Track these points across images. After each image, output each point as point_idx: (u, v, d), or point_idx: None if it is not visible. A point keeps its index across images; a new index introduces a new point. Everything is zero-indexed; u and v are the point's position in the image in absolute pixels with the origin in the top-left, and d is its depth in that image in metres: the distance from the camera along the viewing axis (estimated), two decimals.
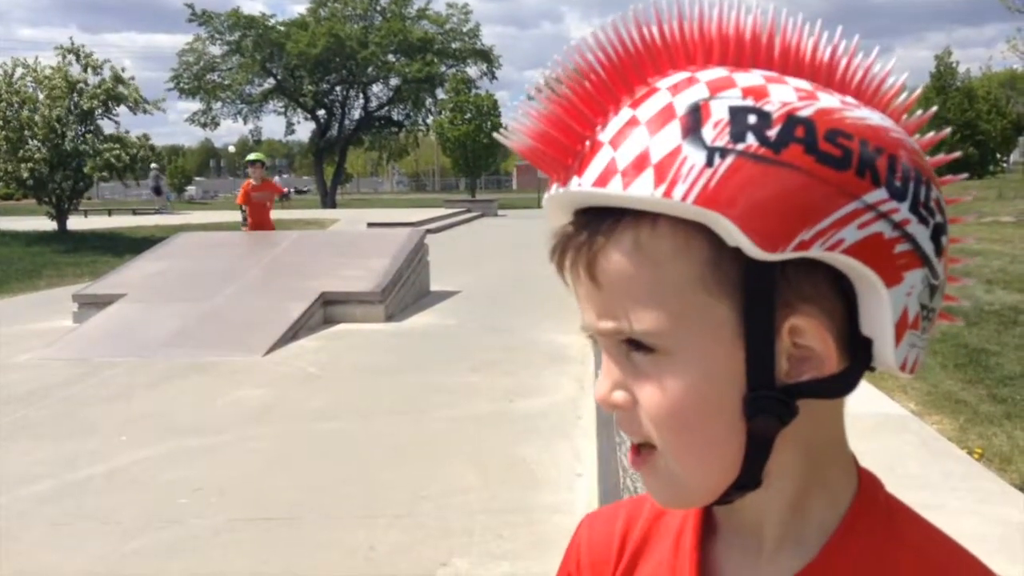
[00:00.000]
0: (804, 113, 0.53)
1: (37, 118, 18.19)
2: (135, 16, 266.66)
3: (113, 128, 19.70)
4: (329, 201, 43.87)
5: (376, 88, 47.64)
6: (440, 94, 48.10)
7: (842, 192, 0.52)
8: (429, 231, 13.15)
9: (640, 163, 0.53)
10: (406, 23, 44.71)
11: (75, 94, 18.60)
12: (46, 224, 19.78)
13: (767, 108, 0.53)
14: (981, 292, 9.12)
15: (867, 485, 0.62)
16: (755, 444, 0.56)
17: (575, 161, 0.56)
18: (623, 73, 0.57)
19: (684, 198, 0.52)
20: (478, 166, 50.19)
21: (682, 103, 0.54)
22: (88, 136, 18.71)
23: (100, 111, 19.00)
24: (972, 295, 8.98)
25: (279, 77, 44.74)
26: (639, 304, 0.55)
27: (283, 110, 47.26)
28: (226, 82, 44.94)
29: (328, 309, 8.77)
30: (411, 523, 3.83)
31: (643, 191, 0.53)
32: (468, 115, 47.54)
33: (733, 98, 0.53)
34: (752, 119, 0.53)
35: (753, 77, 0.55)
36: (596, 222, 0.56)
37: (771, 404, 0.55)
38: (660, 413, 0.56)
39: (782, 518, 0.61)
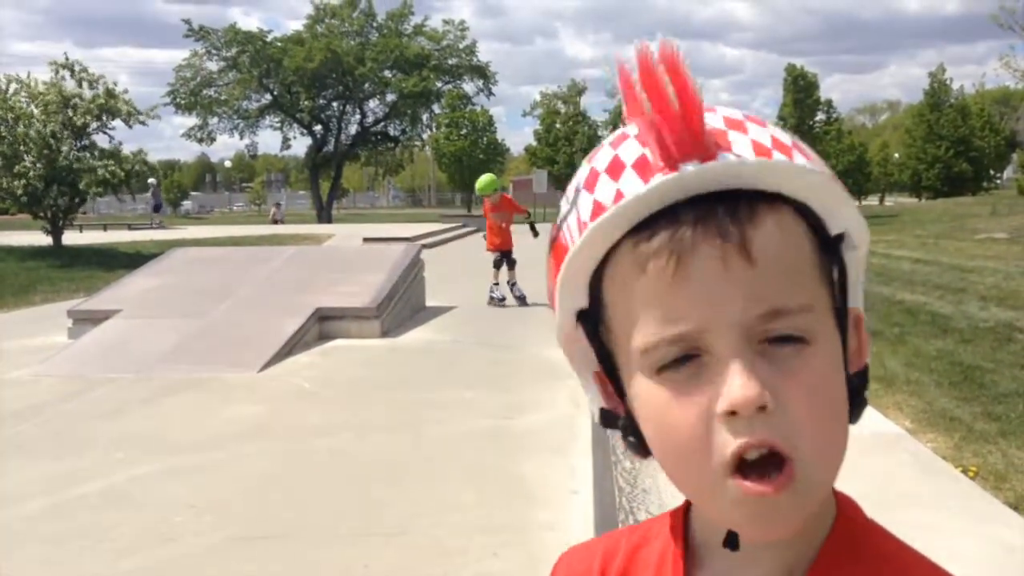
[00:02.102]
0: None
1: (32, 133, 18.20)
2: (130, 31, 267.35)
3: (108, 142, 19.73)
4: (325, 216, 43.92)
5: (372, 104, 47.86)
6: (436, 109, 48.27)
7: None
8: (425, 246, 13.16)
9: (783, 144, 0.57)
10: (403, 39, 44.91)
11: (69, 109, 18.62)
12: (41, 239, 19.76)
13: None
14: (975, 309, 9.15)
15: (845, 507, 0.63)
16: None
17: (709, 140, 0.55)
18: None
19: (832, 178, 0.58)
20: (474, 181, 50.38)
21: (754, 115, 0.59)
22: (83, 152, 18.72)
23: (95, 126, 19.02)
24: (967, 312, 9.01)
25: (275, 93, 44.87)
26: (792, 283, 0.55)
27: (279, 125, 47.39)
28: (222, 97, 45.05)
29: (323, 325, 8.77)
30: (406, 541, 3.82)
31: (804, 163, 0.57)
32: (464, 130, 47.77)
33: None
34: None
35: None
36: (729, 205, 0.55)
37: (862, 389, 0.61)
38: (815, 406, 0.54)
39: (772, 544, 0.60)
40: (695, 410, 0.55)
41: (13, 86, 18.70)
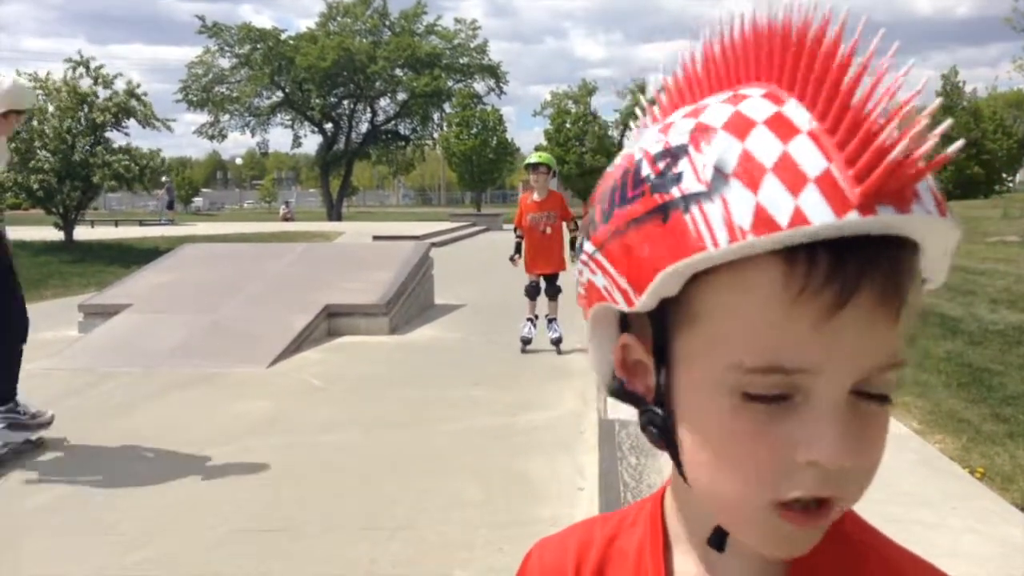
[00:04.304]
0: None
1: (47, 129, 18.30)
2: (142, 28, 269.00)
3: (123, 140, 19.84)
4: (335, 214, 44.03)
5: (383, 102, 47.99)
6: (447, 108, 48.33)
7: None
8: (434, 244, 13.18)
9: (941, 197, 0.52)
10: (415, 38, 45.00)
11: (85, 107, 18.71)
12: (53, 234, 19.86)
13: None
14: (985, 311, 9.11)
15: None
16: None
17: (909, 184, 0.49)
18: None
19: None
20: (484, 180, 50.40)
21: None
22: (98, 148, 18.80)
23: (111, 124, 19.12)
24: (976, 315, 8.97)
25: (287, 90, 45.00)
26: (904, 339, 0.53)
27: (290, 123, 47.54)
28: (234, 95, 45.19)
29: (332, 321, 8.80)
30: (412, 536, 3.83)
31: (954, 220, 0.53)
32: (474, 130, 47.77)
33: None
34: None
35: None
36: (893, 255, 0.50)
37: None
38: (874, 464, 0.54)
39: None
40: (770, 451, 0.52)
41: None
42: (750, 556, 0.59)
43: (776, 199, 0.48)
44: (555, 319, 7.80)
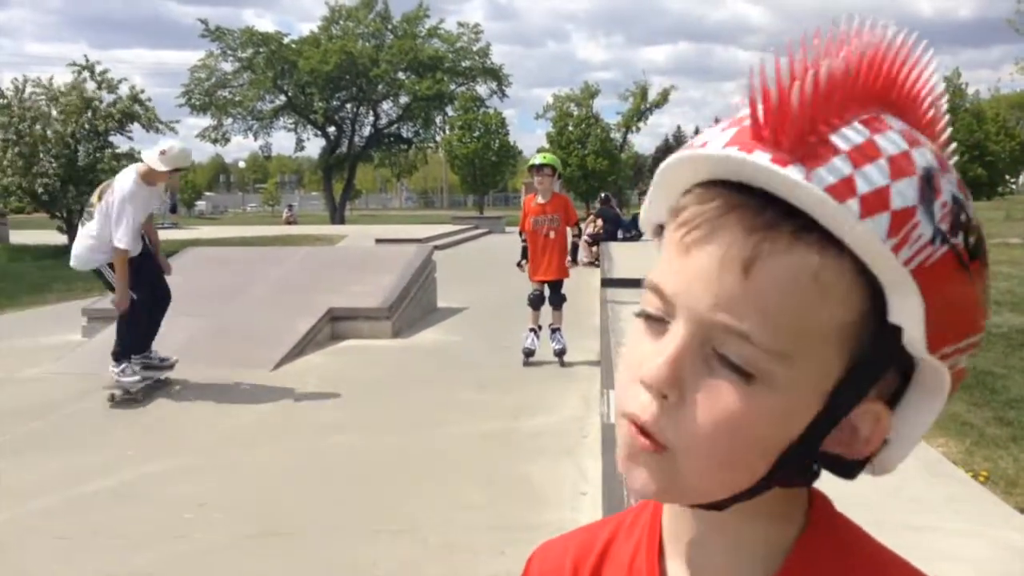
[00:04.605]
0: (982, 227, 0.55)
1: (50, 133, 18.35)
2: (144, 33, 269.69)
3: (127, 145, 19.89)
4: (338, 217, 44.06)
5: (386, 105, 47.96)
6: (449, 111, 48.34)
7: (979, 320, 0.55)
8: (437, 247, 13.19)
9: (880, 200, 0.50)
10: (417, 41, 44.99)
11: (89, 111, 18.76)
12: (57, 238, 19.90)
13: (969, 211, 0.54)
14: (988, 314, 9.11)
15: (819, 504, 0.62)
16: (761, 487, 0.56)
17: (803, 147, 0.51)
18: (861, 89, 0.54)
19: (907, 263, 0.50)
20: (486, 183, 50.37)
21: (920, 160, 0.52)
22: (103, 153, 18.84)
23: (114, 129, 19.16)
24: None
25: (290, 94, 45.03)
26: (780, 324, 0.52)
27: (293, 127, 47.54)
28: (237, 98, 45.23)
29: (336, 325, 8.81)
30: (415, 539, 3.84)
31: (875, 232, 0.50)
32: (477, 133, 47.75)
33: (953, 183, 0.54)
34: (963, 217, 0.53)
35: (950, 163, 0.56)
36: (776, 216, 0.52)
37: (804, 466, 0.57)
38: (712, 435, 0.53)
39: (748, 546, 0.61)
40: (635, 357, 0.56)
41: (30, 87, 18.84)
42: (744, 560, 0.61)
43: (709, 130, 0.56)
44: (559, 329, 7.47)
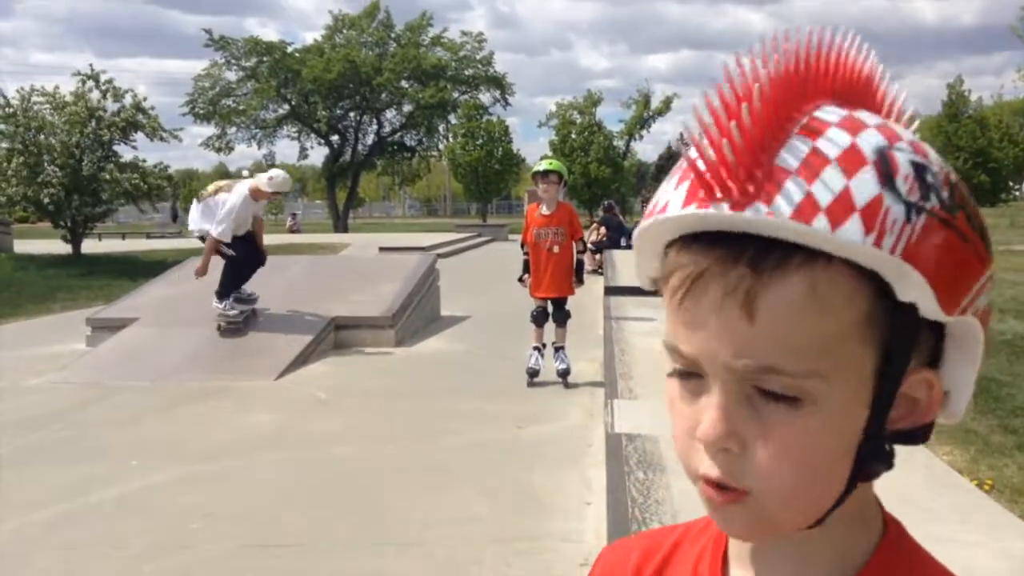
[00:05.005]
0: (953, 177, 0.56)
1: (55, 143, 18.40)
2: (148, 42, 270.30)
3: (131, 153, 19.94)
4: (341, 225, 44.09)
5: (389, 114, 47.99)
6: (452, 120, 48.41)
7: (985, 261, 0.56)
8: (440, 255, 13.21)
9: (845, 206, 0.51)
10: (420, 50, 45.07)
11: (94, 120, 18.80)
12: (61, 247, 19.93)
13: (934, 168, 0.55)
14: (993, 321, 9.07)
15: (892, 528, 0.63)
16: (849, 488, 0.57)
17: (753, 185, 0.52)
18: (786, 96, 0.54)
19: (893, 250, 0.51)
20: (489, 191, 50.45)
21: (867, 147, 0.53)
22: (108, 164, 18.88)
23: (118, 138, 19.20)
24: None
25: (293, 103, 45.12)
26: (800, 348, 0.53)
27: (297, 135, 47.60)
28: (241, 107, 45.33)
29: (339, 334, 8.81)
30: (420, 552, 3.83)
31: (854, 236, 0.51)
32: (480, 141, 47.84)
33: (908, 151, 0.54)
34: (930, 178, 0.54)
35: (898, 129, 0.56)
36: (757, 253, 0.53)
37: (883, 452, 0.58)
38: (785, 466, 0.54)
39: (817, 557, 0.61)
40: (686, 423, 0.57)
41: (35, 97, 18.89)
42: (811, 572, 0.61)
43: (663, 191, 0.57)
44: (563, 348, 6.99)
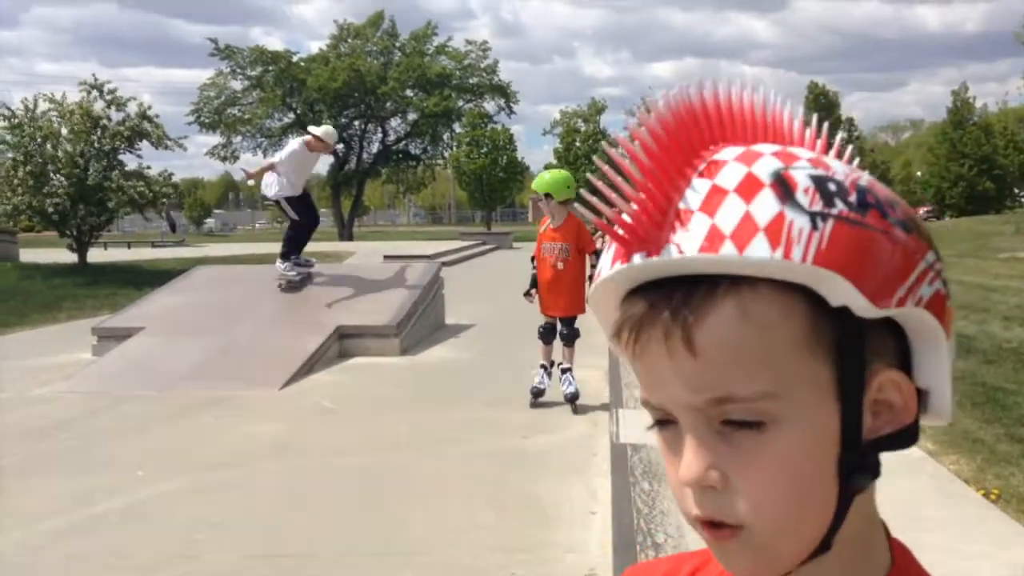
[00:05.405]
0: (862, 182, 0.57)
1: (60, 153, 18.46)
2: (153, 51, 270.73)
3: (135, 162, 19.99)
4: (346, 233, 44.16)
5: (394, 122, 48.11)
6: (457, 128, 48.49)
7: (915, 251, 0.57)
8: (445, 263, 13.22)
9: (748, 228, 0.53)
10: (425, 59, 45.20)
11: (98, 130, 18.87)
12: (66, 256, 19.99)
13: (837, 177, 0.56)
14: (999, 329, 9.07)
15: (900, 558, 0.63)
16: (842, 506, 0.57)
17: (663, 230, 0.55)
18: (684, 145, 0.57)
19: (803, 259, 0.53)
20: (494, 199, 50.56)
21: (763, 172, 0.55)
22: (113, 173, 18.94)
23: (123, 147, 19.26)
24: (990, 332, 8.93)
25: (299, 111, 45.24)
26: (747, 372, 0.54)
27: None
28: (246, 116, 45.48)
29: (344, 343, 8.82)
30: (425, 561, 3.83)
31: (761, 253, 0.52)
32: (484, 149, 47.95)
33: (807, 168, 0.56)
34: (832, 187, 0.55)
35: (800, 152, 0.58)
36: (685, 291, 0.55)
37: (865, 462, 0.58)
38: (768, 492, 0.55)
39: (822, 571, 0.60)
40: (674, 470, 0.59)
41: (43, 105, 18.95)
42: None
43: (606, 253, 0.60)
44: (570, 369, 6.55)
